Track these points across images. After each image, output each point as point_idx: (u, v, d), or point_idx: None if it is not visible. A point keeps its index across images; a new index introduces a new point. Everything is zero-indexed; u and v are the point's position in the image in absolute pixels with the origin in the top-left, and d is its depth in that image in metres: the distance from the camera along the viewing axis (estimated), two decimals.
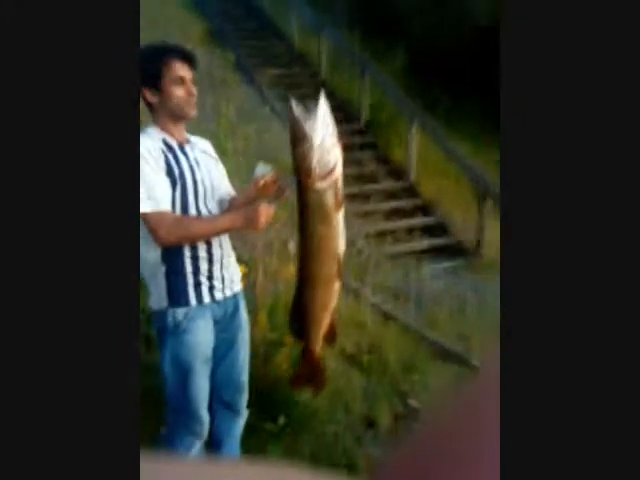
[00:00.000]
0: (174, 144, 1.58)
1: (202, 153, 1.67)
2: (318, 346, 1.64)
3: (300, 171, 1.38)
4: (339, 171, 1.39)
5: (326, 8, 7.32)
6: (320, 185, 1.38)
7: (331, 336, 1.65)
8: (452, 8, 8.05)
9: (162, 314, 1.56)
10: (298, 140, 1.36)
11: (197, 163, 1.61)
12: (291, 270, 2.72)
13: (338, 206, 1.42)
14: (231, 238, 1.69)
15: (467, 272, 4.20)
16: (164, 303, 1.55)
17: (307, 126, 1.33)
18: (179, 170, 1.55)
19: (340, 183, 1.41)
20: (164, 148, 1.55)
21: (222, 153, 2.04)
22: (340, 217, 1.44)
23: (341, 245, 1.47)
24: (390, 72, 6.55)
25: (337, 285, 1.54)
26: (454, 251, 4.54)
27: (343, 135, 4.86)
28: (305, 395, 2.35)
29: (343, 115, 5.85)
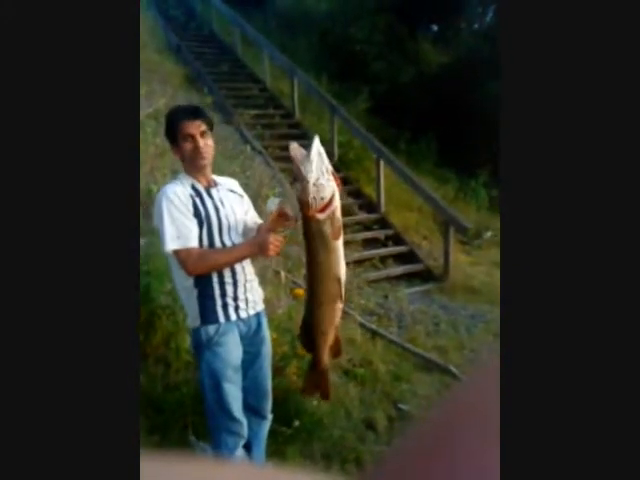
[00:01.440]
0: (201, 188, 1.85)
1: (228, 192, 1.93)
2: (325, 357, 1.82)
3: (301, 204, 1.53)
4: (336, 203, 1.54)
5: (295, 53, 7.89)
6: (319, 216, 1.52)
7: (336, 350, 1.86)
8: (407, 52, 8.85)
9: (197, 331, 1.83)
10: (297, 178, 1.53)
11: (222, 202, 1.87)
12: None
13: (336, 234, 1.56)
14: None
15: (438, 294, 4.70)
16: (197, 322, 1.82)
17: (302, 167, 1.48)
18: (205, 211, 1.80)
19: (338, 214, 1.56)
20: (192, 193, 1.81)
21: None
22: (339, 244, 1.59)
23: (341, 269, 1.62)
24: (355, 113, 7.15)
25: (339, 305, 1.71)
26: (425, 276, 5.05)
27: None
28: (311, 404, 2.70)
29: None
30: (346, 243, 5.39)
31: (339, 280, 1.63)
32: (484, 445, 0.16)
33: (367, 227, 5.57)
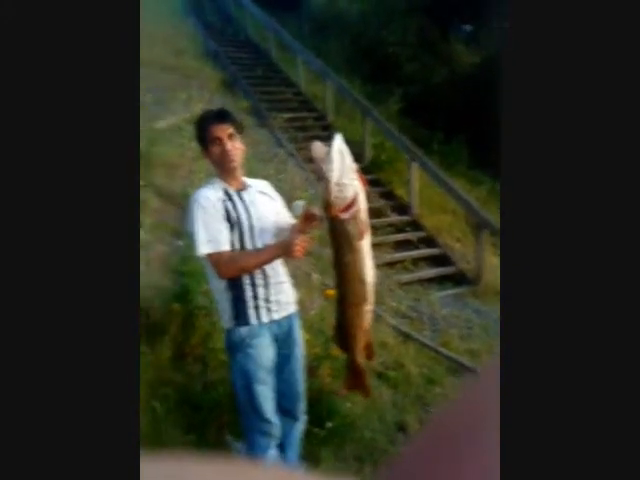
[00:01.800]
0: (232, 191, 1.87)
1: (260, 194, 1.94)
2: (360, 358, 1.80)
3: (324, 204, 1.50)
4: (361, 203, 1.49)
5: (328, 56, 7.96)
6: (342, 216, 1.48)
7: (369, 352, 1.84)
8: (440, 53, 8.78)
9: (230, 333, 1.87)
10: (319, 178, 1.50)
11: (253, 205, 1.88)
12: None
13: (361, 235, 1.51)
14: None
15: (470, 297, 4.66)
16: (230, 324, 1.86)
17: (324, 165, 1.45)
18: (236, 214, 1.83)
19: (363, 214, 1.51)
20: (224, 197, 1.85)
21: None
22: (365, 245, 1.54)
23: (367, 270, 1.59)
24: (387, 114, 7.15)
25: (367, 307, 1.66)
26: (458, 279, 5.01)
27: None
28: (344, 406, 2.73)
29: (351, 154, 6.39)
30: (378, 245, 5.44)
31: (365, 281, 1.59)
32: (485, 446, 0.16)
33: (399, 229, 5.56)
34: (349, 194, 1.47)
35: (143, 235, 3.82)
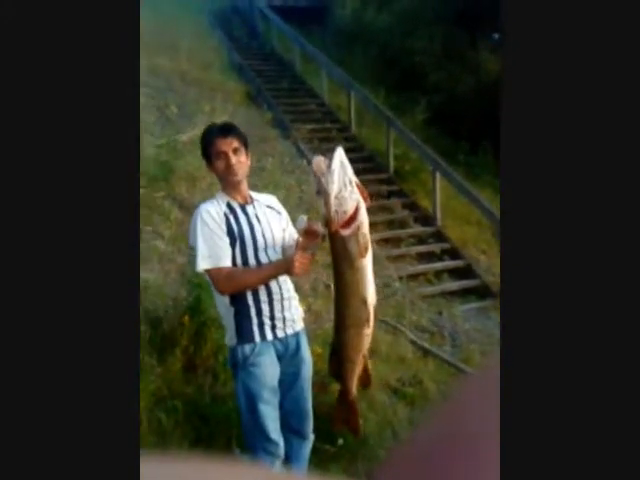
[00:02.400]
0: (236, 205, 1.85)
1: (265, 208, 1.90)
2: (353, 388, 1.70)
3: (325, 220, 1.46)
4: (362, 218, 1.45)
5: (353, 67, 7.96)
6: (343, 232, 1.44)
7: (365, 380, 1.72)
8: (466, 62, 8.67)
9: (233, 350, 1.83)
10: (319, 193, 1.45)
11: (258, 219, 1.85)
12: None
13: (363, 252, 1.46)
14: None
15: (494, 312, 4.53)
16: (234, 341, 1.82)
17: (324, 179, 1.41)
18: (238, 229, 1.80)
19: (365, 230, 1.45)
20: (227, 211, 1.82)
21: None
22: (366, 263, 1.48)
23: (369, 290, 1.50)
24: (413, 124, 7.09)
25: (367, 330, 1.56)
26: (482, 292, 4.88)
27: (372, 184, 5.34)
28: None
29: (373, 165, 6.36)
30: (400, 257, 5.33)
31: (366, 302, 1.51)
32: (484, 446, 0.16)
33: (422, 240, 5.48)
34: (349, 208, 1.42)
35: (163, 246, 3.86)
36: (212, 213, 1.81)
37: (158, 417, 2.22)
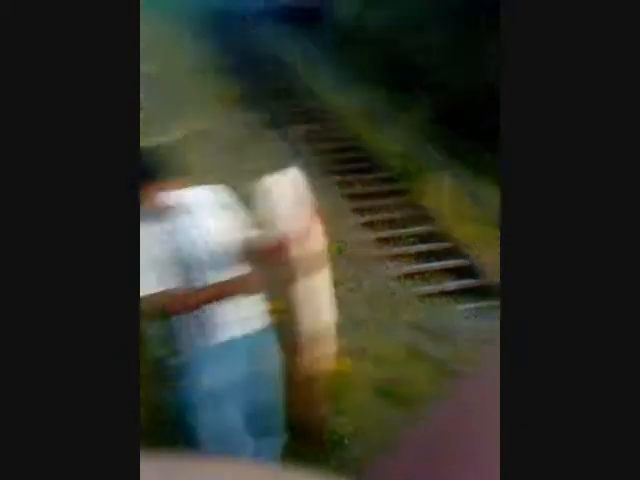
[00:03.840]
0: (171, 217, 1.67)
1: (209, 210, 1.72)
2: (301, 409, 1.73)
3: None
4: (293, 247, 1.41)
5: (355, 66, 7.88)
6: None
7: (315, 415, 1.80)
8: (467, 61, 8.53)
9: (191, 352, 1.73)
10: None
11: (200, 228, 1.69)
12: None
13: (292, 280, 1.45)
14: None
15: (495, 312, 4.36)
16: (191, 342, 1.73)
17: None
18: (178, 245, 1.66)
19: (297, 257, 1.44)
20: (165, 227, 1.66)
21: None
22: (302, 289, 1.46)
23: (304, 320, 1.50)
24: (416, 123, 6.95)
25: (302, 357, 1.59)
26: (482, 292, 4.72)
27: (372, 183, 5.23)
28: (336, 422, 2.55)
29: (374, 164, 6.25)
30: (401, 256, 5.19)
31: (298, 330, 1.51)
32: (484, 445, 0.17)
33: (422, 239, 5.34)
34: (278, 235, 1.40)
35: None
36: (153, 232, 1.68)
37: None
